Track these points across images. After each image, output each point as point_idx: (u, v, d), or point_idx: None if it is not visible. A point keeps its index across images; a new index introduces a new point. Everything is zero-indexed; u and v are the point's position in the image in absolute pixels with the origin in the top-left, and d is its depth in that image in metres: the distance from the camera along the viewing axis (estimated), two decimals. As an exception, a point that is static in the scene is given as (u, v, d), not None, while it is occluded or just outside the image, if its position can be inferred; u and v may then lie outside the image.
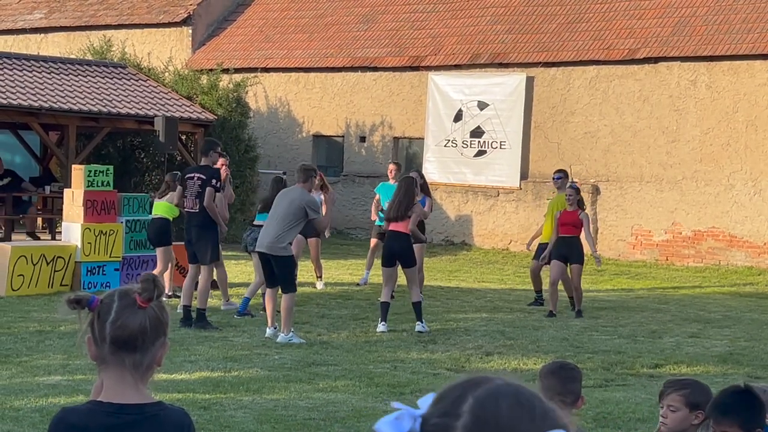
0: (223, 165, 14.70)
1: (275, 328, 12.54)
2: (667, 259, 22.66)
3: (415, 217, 13.26)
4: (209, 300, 13.69)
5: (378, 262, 17.96)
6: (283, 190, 13.01)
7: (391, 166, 17.95)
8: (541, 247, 15.91)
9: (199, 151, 14.25)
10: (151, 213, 16.19)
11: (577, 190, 15.41)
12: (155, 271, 15.12)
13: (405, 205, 13.19)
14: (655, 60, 22.88)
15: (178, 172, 16.27)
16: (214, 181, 13.27)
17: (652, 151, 22.90)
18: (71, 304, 2.81)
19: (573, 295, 15.29)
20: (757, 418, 4.19)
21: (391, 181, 17.41)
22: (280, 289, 12.64)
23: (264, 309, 13.37)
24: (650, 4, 24.02)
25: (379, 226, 17.03)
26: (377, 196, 17.40)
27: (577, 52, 23.84)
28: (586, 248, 15.39)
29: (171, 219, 15.11)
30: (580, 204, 15.30)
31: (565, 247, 14.97)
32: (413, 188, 13.50)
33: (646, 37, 23.26)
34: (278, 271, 12.47)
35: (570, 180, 17.02)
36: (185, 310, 13.22)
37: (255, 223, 14.71)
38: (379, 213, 16.73)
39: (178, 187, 13.99)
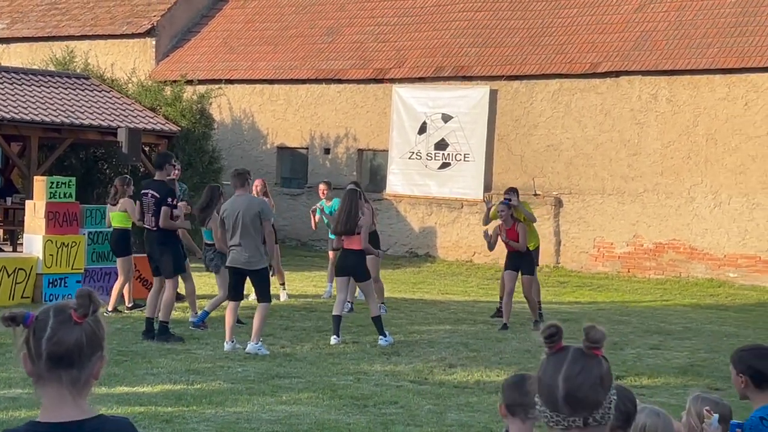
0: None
1: (233, 342, 12.53)
2: (628, 271, 22.83)
3: (364, 232, 13.31)
4: (174, 312, 13.63)
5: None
6: (230, 203, 12.68)
7: (322, 186, 17.98)
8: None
9: (153, 165, 14.13)
10: (105, 223, 16.03)
11: (509, 206, 15.28)
12: (117, 283, 15.08)
13: (351, 217, 13.24)
14: (617, 74, 23.09)
15: (128, 176, 16.21)
16: (169, 199, 13.17)
17: (614, 163, 23.09)
18: (6, 321, 2.78)
19: (530, 307, 15.35)
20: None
21: (326, 202, 17.54)
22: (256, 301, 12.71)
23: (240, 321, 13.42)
24: (612, 18, 24.24)
25: (333, 239, 17.23)
26: (317, 217, 17.57)
27: (540, 66, 24.00)
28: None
29: (129, 228, 15.05)
30: (514, 217, 15.24)
31: (516, 259, 15.10)
32: (357, 200, 13.51)
33: (608, 52, 23.47)
34: (257, 283, 12.58)
35: (508, 196, 16.22)
36: (148, 322, 13.15)
37: (207, 242, 14.51)
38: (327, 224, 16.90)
39: (138, 202, 13.92)
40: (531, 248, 15.66)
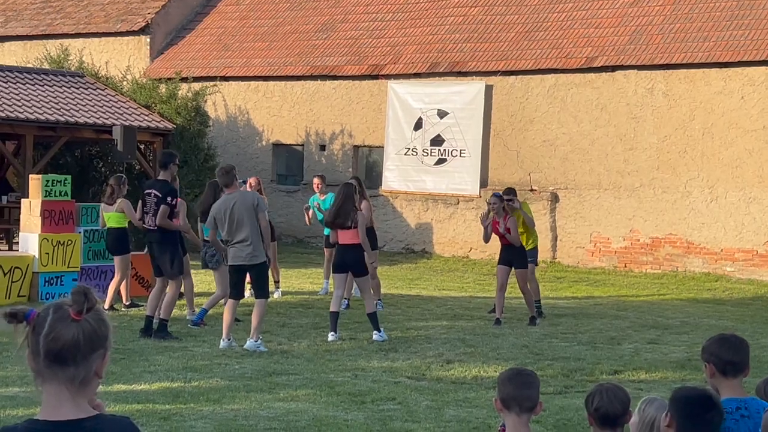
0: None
1: (230, 340, 12.52)
2: (625, 266, 22.83)
3: (361, 226, 13.28)
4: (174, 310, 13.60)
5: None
6: (222, 201, 12.65)
7: (316, 180, 17.99)
8: (529, 253, 15.74)
9: (157, 164, 14.11)
10: (99, 223, 15.97)
11: (501, 198, 15.23)
12: (114, 281, 15.05)
13: (345, 210, 13.23)
14: (613, 68, 23.07)
15: (123, 176, 16.18)
16: (169, 198, 13.15)
17: (610, 158, 23.08)
18: (7, 317, 2.78)
19: (525, 301, 15.30)
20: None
21: (320, 196, 17.54)
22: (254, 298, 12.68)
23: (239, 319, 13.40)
24: (607, 12, 24.23)
25: (327, 235, 17.27)
26: (311, 212, 17.55)
27: (535, 61, 23.99)
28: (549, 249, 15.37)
29: (126, 226, 15.05)
30: (505, 210, 15.10)
31: (510, 253, 15.01)
32: (353, 194, 13.52)
33: (604, 46, 23.45)
34: (256, 278, 12.60)
35: (500, 192, 16.26)
36: (147, 320, 13.13)
37: (206, 238, 14.48)
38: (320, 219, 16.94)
39: (139, 202, 13.89)
40: (530, 247, 15.60)
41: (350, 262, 13.33)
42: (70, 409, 2.76)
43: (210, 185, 14.66)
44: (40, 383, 2.79)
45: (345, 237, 13.31)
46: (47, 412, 2.77)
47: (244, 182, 20.86)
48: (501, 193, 15.73)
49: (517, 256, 15.00)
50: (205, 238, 14.39)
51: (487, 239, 15.48)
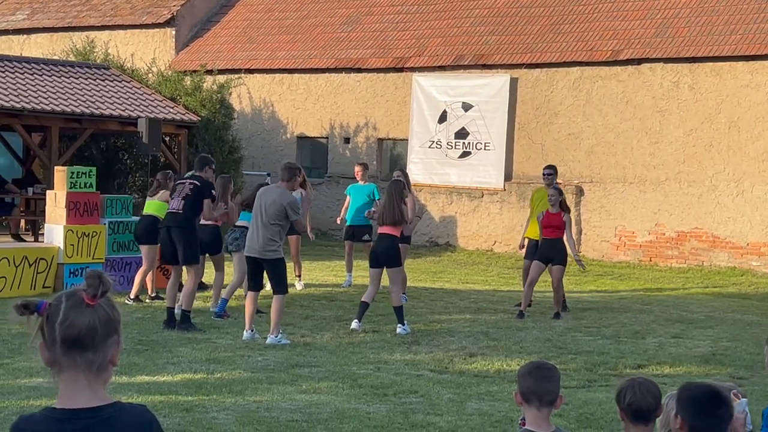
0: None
1: (252, 331, 12.54)
2: (650, 260, 22.72)
3: (405, 219, 13.47)
4: (195, 302, 13.65)
5: (357, 262, 18.05)
6: (263, 189, 12.79)
7: (358, 168, 18.03)
8: (532, 243, 15.83)
9: (194, 165, 14.30)
10: (133, 214, 16.17)
11: (560, 192, 15.33)
12: (140, 270, 15.10)
13: (396, 209, 13.30)
14: (638, 61, 22.94)
15: (170, 171, 16.29)
16: (212, 191, 13.44)
17: (636, 152, 22.96)
18: (19, 309, 2.79)
19: (555, 298, 15.27)
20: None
21: (360, 182, 17.60)
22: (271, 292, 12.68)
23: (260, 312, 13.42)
24: (633, 5, 24.09)
25: (349, 226, 17.30)
26: (348, 199, 17.60)
27: (560, 54, 23.88)
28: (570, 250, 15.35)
29: (161, 218, 15.11)
30: (563, 206, 15.21)
31: (549, 248, 14.93)
32: (402, 191, 13.59)
33: (629, 39, 23.32)
34: (271, 274, 12.51)
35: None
36: (168, 311, 13.18)
37: (237, 223, 14.68)
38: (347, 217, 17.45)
39: (168, 193, 14.06)
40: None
41: (384, 252, 13.29)
42: (88, 397, 2.77)
43: (259, 186, 14.83)
44: (57, 373, 2.80)
45: (384, 227, 13.38)
46: (64, 400, 2.78)
47: (269, 175, 20.96)
48: (544, 170, 16.13)
49: (557, 252, 14.92)
50: (237, 224, 14.51)
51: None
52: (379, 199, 17.18)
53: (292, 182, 12.67)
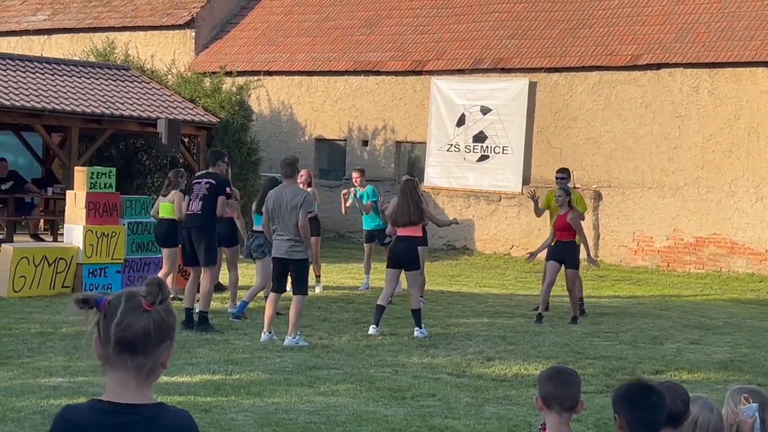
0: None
1: (271, 333, 12.56)
2: (668, 266, 22.66)
3: (427, 216, 13.60)
4: (212, 303, 13.69)
5: (376, 265, 18.08)
6: (275, 192, 12.68)
7: (355, 174, 18.12)
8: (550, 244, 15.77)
9: (207, 161, 14.31)
10: (150, 214, 16.20)
11: (567, 192, 15.23)
12: (161, 273, 15.15)
13: (414, 209, 13.30)
14: (658, 66, 22.90)
15: (182, 170, 16.32)
16: (226, 189, 13.40)
17: (654, 157, 22.91)
18: (79, 303, 2.83)
19: (571, 301, 15.24)
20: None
21: (360, 189, 17.64)
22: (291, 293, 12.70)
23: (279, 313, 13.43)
24: (653, 10, 24.04)
25: (368, 230, 17.37)
26: (349, 201, 17.64)
27: (579, 58, 23.85)
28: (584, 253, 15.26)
29: (178, 220, 15.14)
30: (570, 205, 15.12)
31: (562, 250, 14.92)
32: (417, 191, 13.62)
33: (649, 44, 23.28)
34: (295, 274, 12.50)
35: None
36: (187, 312, 13.22)
37: (255, 228, 14.65)
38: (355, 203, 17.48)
39: (186, 196, 14.00)
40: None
41: (403, 254, 13.30)
42: (134, 395, 2.83)
43: (269, 181, 14.77)
44: (108, 369, 2.84)
45: (404, 229, 13.37)
46: (111, 394, 2.83)
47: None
48: (557, 174, 16.11)
49: (570, 254, 14.89)
50: (255, 228, 14.52)
51: (538, 213, 16.06)
52: (374, 199, 17.33)
53: (296, 176, 12.79)
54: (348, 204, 17.81)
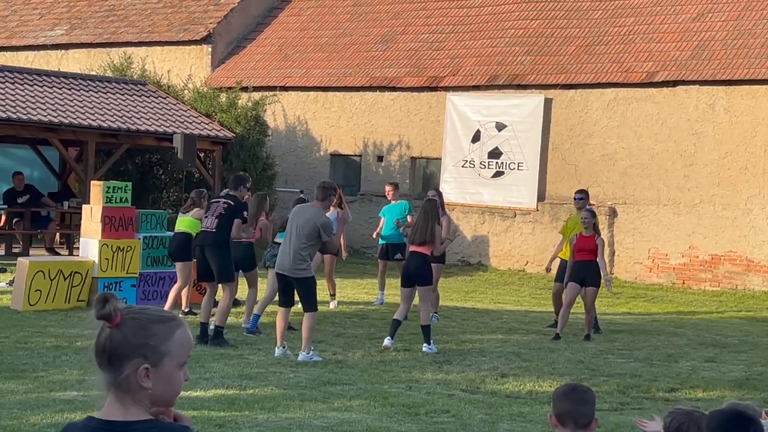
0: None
1: (284, 347, 12.56)
2: (683, 283, 22.59)
3: (437, 240, 13.42)
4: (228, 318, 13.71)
5: (390, 281, 18.07)
6: (298, 207, 12.88)
7: (388, 187, 18.05)
8: (562, 265, 15.84)
9: (229, 184, 14.36)
10: (167, 229, 16.29)
11: (593, 214, 15.38)
12: (175, 287, 15.17)
13: (429, 229, 13.32)
14: (674, 83, 22.88)
15: (204, 189, 16.40)
16: (244, 212, 13.50)
17: (670, 174, 22.86)
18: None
19: (587, 319, 15.23)
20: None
21: (393, 201, 17.64)
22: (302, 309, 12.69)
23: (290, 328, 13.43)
24: (669, 27, 24.03)
25: (383, 245, 17.36)
26: (382, 220, 17.63)
27: (595, 75, 23.86)
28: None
29: (194, 235, 15.17)
30: (596, 228, 15.24)
31: (583, 270, 14.94)
32: (436, 210, 13.62)
33: (665, 61, 23.26)
34: (301, 292, 12.47)
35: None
36: (202, 327, 13.24)
37: (276, 240, 14.76)
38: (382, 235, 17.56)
39: (202, 212, 14.17)
40: None
41: (414, 270, 13.31)
42: (118, 411, 2.80)
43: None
44: None
45: (417, 246, 13.40)
46: (102, 411, 2.84)
47: (302, 192, 21.04)
48: (576, 195, 16.44)
49: (591, 273, 14.95)
50: (275, 240, 14.58)
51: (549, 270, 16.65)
52: (410, 214, 17.23)
53: (327, 201, 12.69)
54: (402, 232, 17.49)
